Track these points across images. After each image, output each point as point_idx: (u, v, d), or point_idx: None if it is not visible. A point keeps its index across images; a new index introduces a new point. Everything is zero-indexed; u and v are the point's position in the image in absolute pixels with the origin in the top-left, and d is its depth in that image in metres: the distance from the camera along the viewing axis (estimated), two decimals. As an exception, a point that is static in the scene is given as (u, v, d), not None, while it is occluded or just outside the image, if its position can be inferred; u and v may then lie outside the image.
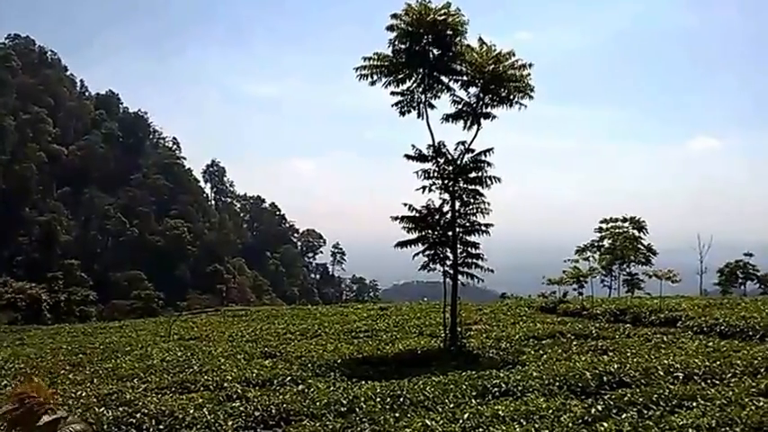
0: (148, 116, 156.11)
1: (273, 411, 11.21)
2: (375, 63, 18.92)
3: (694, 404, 9.07)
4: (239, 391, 13.31)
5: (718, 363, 12.58)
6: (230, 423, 10.78)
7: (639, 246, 53.15)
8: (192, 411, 11.32)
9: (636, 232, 53.20)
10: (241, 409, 11.49)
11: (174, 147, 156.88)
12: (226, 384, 14.09)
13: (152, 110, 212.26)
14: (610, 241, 52.80)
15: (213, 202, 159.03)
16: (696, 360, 12.91)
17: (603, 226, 53.37)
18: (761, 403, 8.67)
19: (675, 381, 11.16)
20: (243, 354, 19.58)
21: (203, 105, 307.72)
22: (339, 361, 17.41)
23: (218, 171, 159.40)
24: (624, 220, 53.20)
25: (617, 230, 52.90)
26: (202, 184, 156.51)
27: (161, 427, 10.80)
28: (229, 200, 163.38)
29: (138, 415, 11.17)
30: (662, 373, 11.71)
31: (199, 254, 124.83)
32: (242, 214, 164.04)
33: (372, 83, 19.11)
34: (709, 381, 11.18)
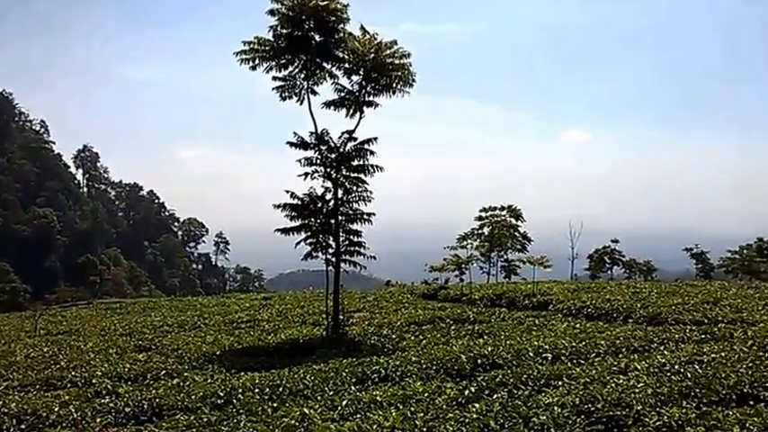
0: (14, 97, 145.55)
1: (145, 406, 10.86)
2: (256, 47, 18.59)
3: (560, 383, 9.54)
4: (109, 386, 12.91)
5: (583, 343, 13.34)
6: (99, 420, 10.38)
7: (516, 233, 55.31)
8: (57, 409, 10.80)
9: (513, 220, 55.29)
10: (111, 405, 11.09)
11: (42, 130, 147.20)
12: (95, 380, 13.67)
13: (19, 92, 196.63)
14: (489, 229, 54.57)
15: (86, 189, 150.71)
16: (564, 341, 13.63)
17: (483, 214, 55.13)
18: (620, 380, 9.22)
19: (544, 361, 11.75)
20: (115, 348, 19.01)
21: (74, 87, 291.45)
22: (218, 353, 17.16)
23: (91, 156, 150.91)
24: (502, 208, 55.12)
25: (495, 219, 54.78)
26: (73, 170, 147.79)
27: (23, 426, 10.26)
28: (103, 187, 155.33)
29: (-3, 415, 10.50)
30: (532, 355, 12.29)
31: (70, 244, 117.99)
32: (117, 202, 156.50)
33: (253, 67, 18.80)
34: (574, 360, 11.85)
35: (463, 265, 34.88)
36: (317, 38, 18.88)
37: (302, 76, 19.23)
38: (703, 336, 13.78)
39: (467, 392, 9.33)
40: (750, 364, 9.49)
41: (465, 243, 34.50)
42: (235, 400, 10.73)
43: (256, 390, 11.25)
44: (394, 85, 19.13)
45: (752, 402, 7.77)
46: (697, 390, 8.32)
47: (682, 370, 9.50)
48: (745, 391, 8.24)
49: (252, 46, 18.61)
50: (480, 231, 54.62)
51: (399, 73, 18.93)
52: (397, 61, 18.87)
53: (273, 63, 18.86)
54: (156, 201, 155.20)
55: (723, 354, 10.85)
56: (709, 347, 11.79)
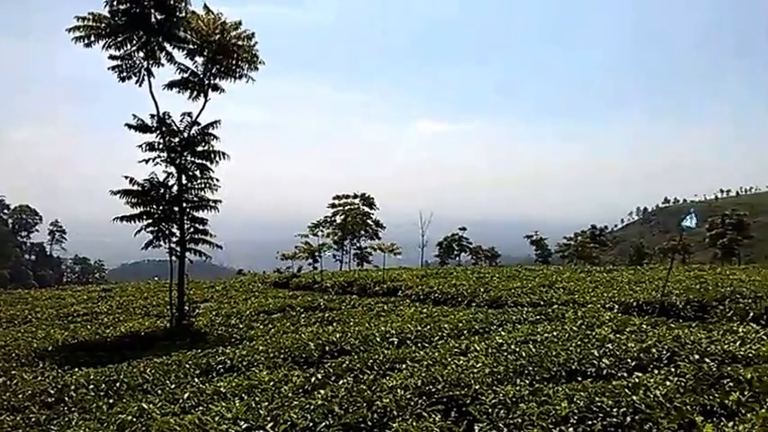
0: None
1: (-32, 407, 9.92)
2: (90, 24, 17.40)
3: (404, 366, 9.69)
4: (-73, 387, 11.67)
5: (428, 327, 13.70)
6: None
7: (369, 221, 56.23)
8: None
9: (366, 208, 56.14)
10: (-72, 407, 10.07)
11: None
12: None
13: None
14: (342, 217, 55.07)
15: None
16: (410, 326, 13.92)
17: (336, 202, 55.53)
18: (461, 361, 9.51)
19: (390, 346, 11.92)
20: (-66, 346, 17.16)
21: None
22: (50, 348, 16.13)
23: None
24: (355, 196, 55.80)
25: (349, 207, 55.35)
26: None
27: None
28: None
29: None
30: (379, 340, 12.45)
31: None
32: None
33: (88, 44, 17.58)
34: (419, 344, 12.12)
35: (316, 253, 34.94)
36: (158, 15, 17.97)
37: (141, 55, 18.26)
38: (538, 317, 14.53)
39: (313, 379, 9.26)
40: (579, 343, 10.12)
41: (317, 231, 34.59)
42: (67, 398, 10.09)
43: (91, 386, 10.63)
44: (238, 68, 18.62)
45: (579, 378, 8.25)
46: (530, 368, 8.73)
47: (517, 349, 9.96)
48: (574, 367, 8.74)
49: (86, 22, 17.40)
50: (333, 219, 55.01)
51: (246, 55, 18.46)
52: (242, 43, 18.39)
53: (110, 41, 17.75)
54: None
55: (555, 333, 11.52)
56: (542, 327, 12.46)
